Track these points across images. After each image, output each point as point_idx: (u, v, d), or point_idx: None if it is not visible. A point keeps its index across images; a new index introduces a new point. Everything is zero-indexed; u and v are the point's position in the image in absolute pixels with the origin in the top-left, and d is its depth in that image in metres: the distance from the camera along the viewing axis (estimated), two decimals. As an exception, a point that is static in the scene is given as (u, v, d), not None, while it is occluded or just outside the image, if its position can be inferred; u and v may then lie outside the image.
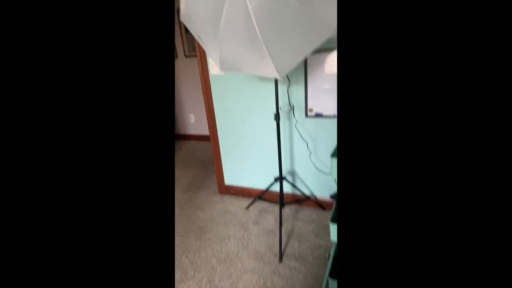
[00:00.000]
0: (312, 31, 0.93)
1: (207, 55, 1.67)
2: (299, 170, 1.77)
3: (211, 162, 2.61)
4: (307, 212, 1.76)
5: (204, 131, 3.23)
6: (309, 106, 1.58)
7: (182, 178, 2.41)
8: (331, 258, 1.19)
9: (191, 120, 3.32)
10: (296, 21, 0.91)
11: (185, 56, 2.99)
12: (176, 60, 3.06)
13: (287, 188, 1.80)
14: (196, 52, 1.72)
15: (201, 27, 1.12)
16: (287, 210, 1.80)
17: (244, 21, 0.94)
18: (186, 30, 2.58)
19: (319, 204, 1.76)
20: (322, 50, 1.40)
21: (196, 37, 1.20)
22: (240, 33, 0.99)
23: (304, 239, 1.54)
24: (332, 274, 1.10)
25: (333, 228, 1.04)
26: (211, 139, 1.95)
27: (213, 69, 1.72)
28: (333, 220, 1.05)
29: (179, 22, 2.83)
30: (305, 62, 1.48)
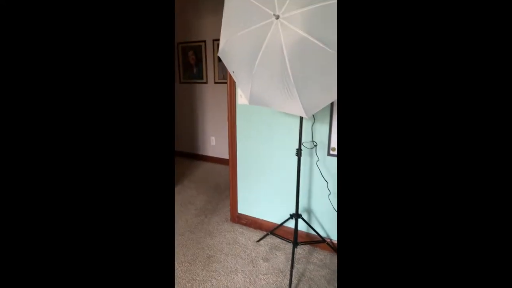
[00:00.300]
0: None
1: (236, 86, 1.75)
2: (316, 209, 1.71)
3: (227, 187, 2.60)
4: (320, 256, 1.66)
5: (223, 154, 3.28)
6: (332, 145, 1.56)
7: (196, 200, 2.41)
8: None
9: (212, 143, 3.40)
10: (328, 68, 0.94)
11: (215, 82, 3.15)
12: (205, 85, 3.23)
13: (301, 226, 1.73)
14: (227, 81, 1.81)
15: (236, 63, 1.19)
16: (299, 250, 1.71)
17: (279, 64, 0.99)
18: (219, 59, 2.75)
19: (335, 248, 1.66)
20: (350, 92, 1.42)
21: (230, 72, 1.27)
22: (273, 74, 1.03)
23: (316, 285, 1.44)
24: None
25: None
26: (230, 166, 1.97)
27: (241, 99, 1.79)
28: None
29: (213, 53, 3.03)
30: (332, 103, 1.49)
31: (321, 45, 0.90)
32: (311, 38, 0.90)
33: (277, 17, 0.92)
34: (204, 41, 3.06)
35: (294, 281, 1.46)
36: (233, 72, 1.24)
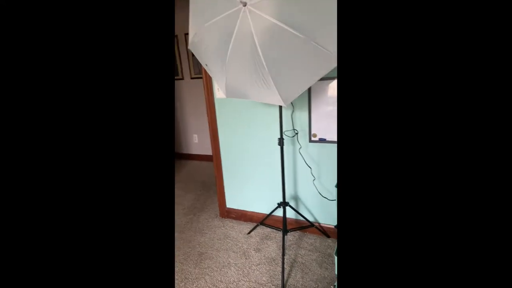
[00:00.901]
0: (316, 62, 0.95)
1: (213, 80, 1.71)
2: (302, 195, 1.73)
3: (213, 183, 2.58)
4: (310, 240, 1.70)
5: (207, 151, 3.23)
6: (313, 131, 1.58)
7: (183, 200, 2.37)
8: (336, 293, 1.13)
9: (194, 140, 3.34)
10: (301, 53, 0.93)
11: (191, 78, 3.07)
12: (182, 81, 3.14)
13: (290, 214, 1.76)
14: (202, 75, 1.77)
15: (208, 56, 1.15)
16: (290, 237, 1.74)
17: (251, 53, 0.97)
18: (193, 54, 2.68)
19: (323, 232, 1.70)
20: (325, 78, 1.43)
21: (203, 65, 1.23)
22: (246, 63, 1.01)
23: (308, 270, 1.47)
24: (338, 312, 1.03)
25: (339, 262, 0.99)
26: (214, 162, 1.94)
27: (218, 93, 1.75)
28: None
29: (186, 47, 2.94)
30: (309, 89, 1.50)
31: (291, 30, 0.88)
32: (280, 24, 0.88)
33: (244, 4, 0.89)
34: (176, 36, 2.96)
35: (287, 267, 1.49)
36: (206, 65, 1.21)
